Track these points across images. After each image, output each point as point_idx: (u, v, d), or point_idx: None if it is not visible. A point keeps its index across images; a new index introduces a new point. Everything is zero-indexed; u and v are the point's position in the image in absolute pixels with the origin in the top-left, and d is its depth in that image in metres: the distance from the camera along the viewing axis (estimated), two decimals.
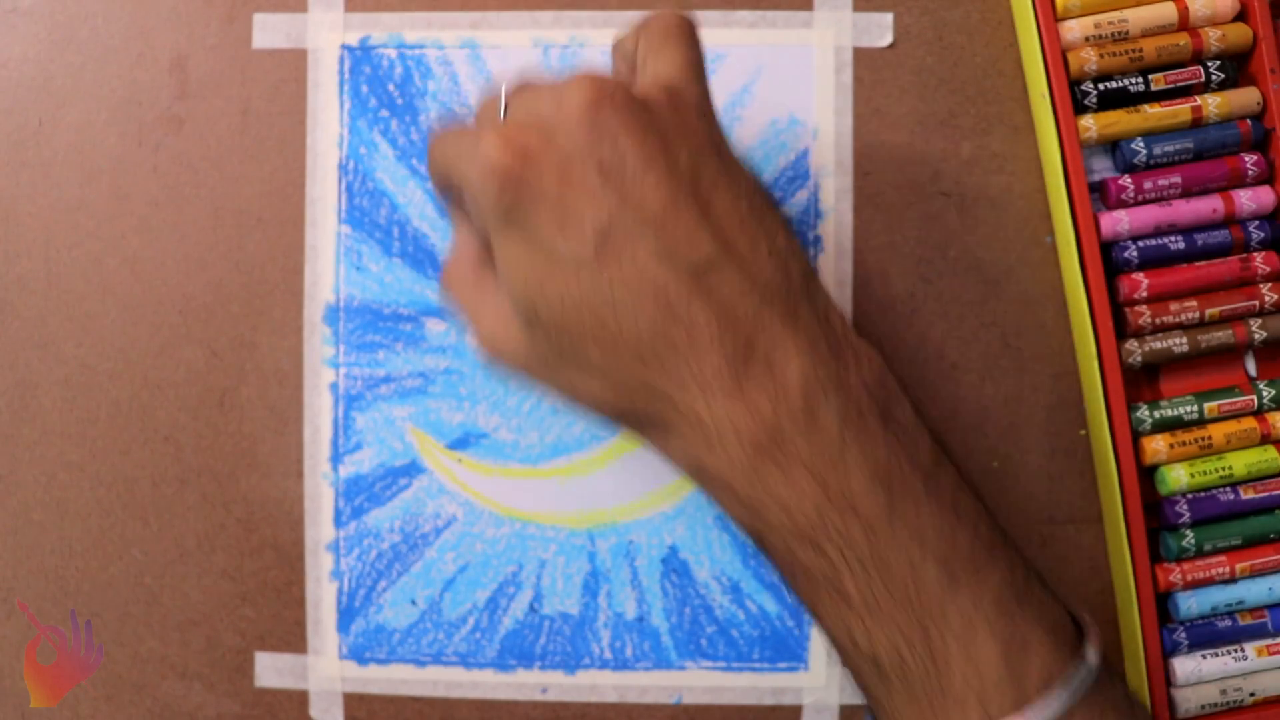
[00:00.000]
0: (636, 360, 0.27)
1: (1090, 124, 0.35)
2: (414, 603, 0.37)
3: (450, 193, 0.31)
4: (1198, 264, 0.35)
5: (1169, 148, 0.35)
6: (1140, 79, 0.35)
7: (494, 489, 0.37)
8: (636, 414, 0.28)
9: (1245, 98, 0.35)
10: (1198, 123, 0.35)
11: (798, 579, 0.28)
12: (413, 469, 0.37)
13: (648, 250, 0.26)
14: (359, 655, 0.37)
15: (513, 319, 0.28)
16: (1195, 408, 0.35)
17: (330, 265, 0.37)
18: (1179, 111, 0.35)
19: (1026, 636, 0.27)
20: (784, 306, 0.27)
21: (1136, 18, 0.35)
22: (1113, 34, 0.35)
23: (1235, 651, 0.35)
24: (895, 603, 0.26)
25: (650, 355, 0.26)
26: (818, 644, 0.37)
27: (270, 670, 0.37)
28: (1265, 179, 0.35)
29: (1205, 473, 0.35)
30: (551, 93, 0.27)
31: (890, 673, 0.27)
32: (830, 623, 0.28)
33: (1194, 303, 0.35)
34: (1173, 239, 0.35)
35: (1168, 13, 0.35)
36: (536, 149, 0.26)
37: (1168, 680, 0.35)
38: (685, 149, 0.27)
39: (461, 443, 0.37)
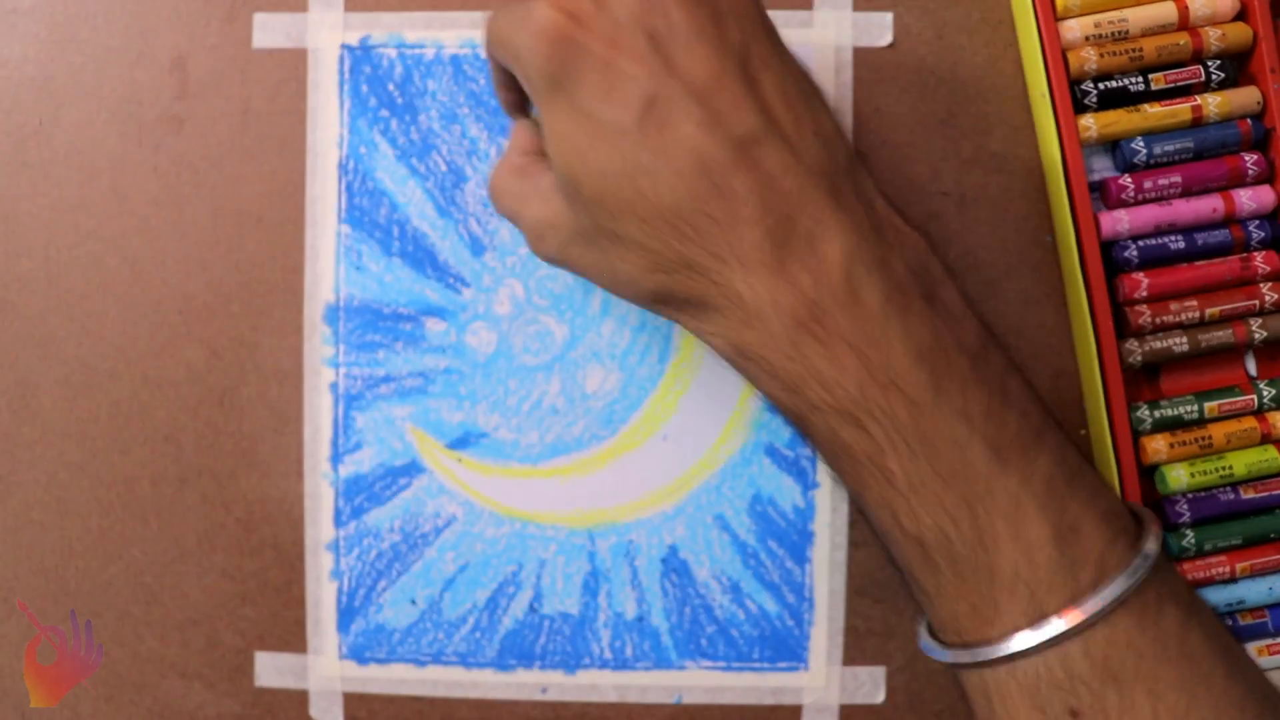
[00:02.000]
0: (675, 234, 0.26)
1: (1090, 123, 0.35)
2: (414, 602, 0.37)
3: (508, 82, 0.31)
4: (1198, 263, 0.35)
5: (1169, 147, 0.35)
6: (1140, 78, 0.35)
7: (494, 488, 0.37)
8: (674, 294, 0.28)
9: (1245, 97, 0.35)
10: (1198, 122, 0.35)
11: (841, 460, 0.27)
12: (413, 469, 0.37)
13: (692, 120, 0.26)
14: (359, 655, 0.37)
15: (557, 197, 0.28)
16: (1195, 407, 0.35)
17: (330, 265, 0.37)
18: (1179, 111, 0.35)
19: (1079, 520, 0.26)
20: (828, 185, 0.26)
21: (1136, 17, 0.35)
22: (1113, 33, 0.35)
23: None
24: (940, 481, 0.26)
25: (689, 229, 0.26)
26: (818, 644, 0.37)
27: (270, 670, 0.37)
28: (1265, 178, 0.35)
29: (1205, 472, 0.35)
30: None
31: (936, 555, 0.26)
32: (874, 504, 0.27)
33: (1194, 302, 0.35)
34: (1173, 238, 0.35)
35: (1168, 12, 0.35)
36: (588, 13, 0.26)
37: None
38: (737, 26, 0.26)
39: (461, 442, 0.37)
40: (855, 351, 0.26)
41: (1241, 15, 0.35)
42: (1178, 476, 0.34)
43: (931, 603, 0.28)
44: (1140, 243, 0.35)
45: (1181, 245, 0.35)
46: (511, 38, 0.28)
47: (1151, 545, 0.26)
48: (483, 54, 0.35)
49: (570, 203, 0.28)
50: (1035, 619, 0.25)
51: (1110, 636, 0.25)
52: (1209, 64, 0.35)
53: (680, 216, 0.26)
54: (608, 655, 0.37)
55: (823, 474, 0.37)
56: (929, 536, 0.26)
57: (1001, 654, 0.26)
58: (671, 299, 0.28)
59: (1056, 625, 0.25)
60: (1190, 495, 0.35)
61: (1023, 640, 0.25)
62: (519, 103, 0.32)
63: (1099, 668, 0.25)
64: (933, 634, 0.29)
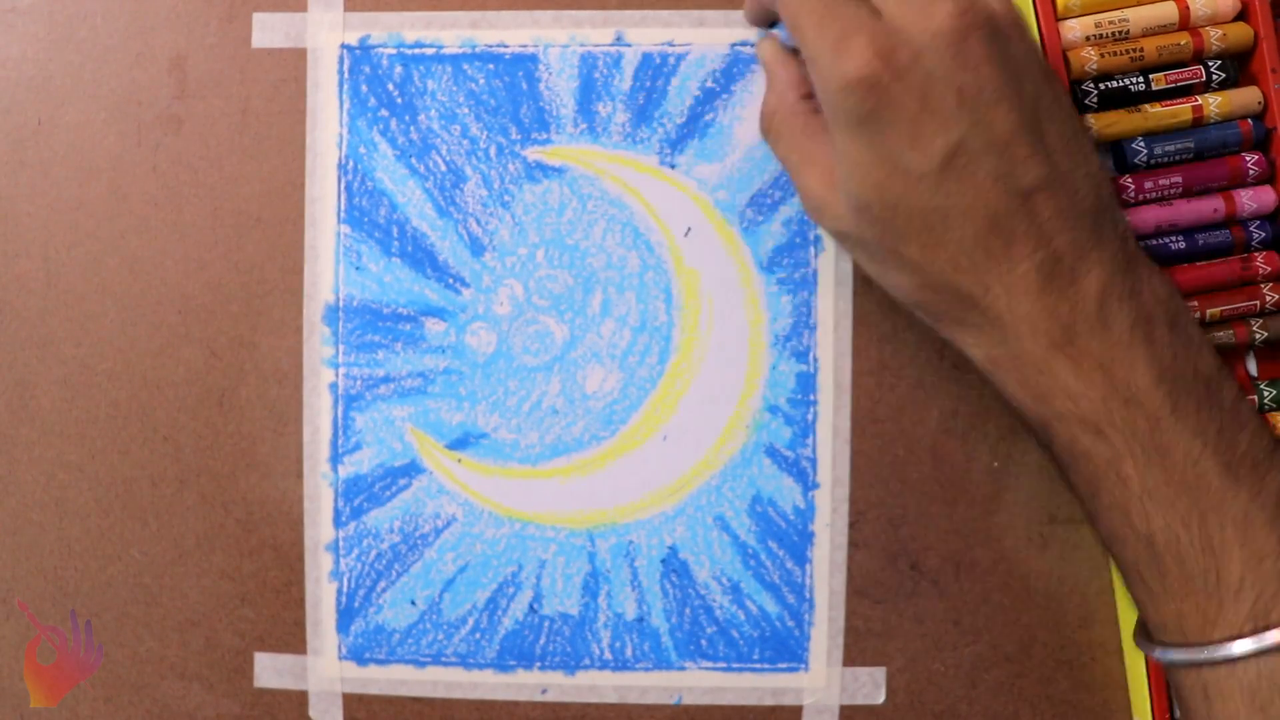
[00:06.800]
0: (951, 264, 0.29)
1: (1091, 124, 0.35)
2: (413, 603, 0.37)
3: (766, 16, 0.34)
4: (1199, 264, 0.35)
5: (1170, 147, 0.35)
6: (1141, 78, 0.35)
7: (494, 489, 0.37)
8: (937, 308, 0.31)
9: (1246, 97, 0.35)
10: (1198, 122, 0.35)
11: (1078, 463, 0.30)
12: (412, 469, 0.37)
13: (988, 171, 0.28)
14: (358, 656, 0.37)
15: (840, 192, 0.30)
16: None
17: (330, 265, 0.37)
18: (1180, 111, 0.35)
19: None
20: (1092, 224, 0.29)
21: (1137, 17, 0.35)
22: (1113, 33, 0.35)
23: None
24: (1174, 489, 0.28)
25: (966, 262, 0.29)
26: (818, 644, 0.37)
27: (269, 671, 0.37)
28: (1266, 179, 0.35)
29: None
30: (918, 2, 0.28)
31: (1165, 555, 0.28)
32: (1106, 506, 0.29)
33: (1195, 303, 0.35)
34: (1173, 239, 0.35)
35: (1168, 12, 0.35)
36: (904, 66, 0.28)
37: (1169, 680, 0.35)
38: (1030, 81, 0.29)
39: (461, 443, 0.37)
40: (1102, 369, 0.28)
41: (1242, 15, 0.35)
42: None
43: (1155, 602, 0.29)
44: (1141, 243, 0.35)
45: (1182, 246, 0.35)
46: (820, 56, 0.29)
47: None
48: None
49: (856, 212, 0.30)
50: (1260, 624, 0.27)
51: None
52: (1210, 64, 0.35)
53: (960, 251, 0.29)
54: (608, 656, 0.37)
55: (823, 475, 0.37)
56: (1159, 538, 0.28)
57: (1225, 655, 0.27)
58: (933, 311, 0.31)
59: None
60: None
61: (1246, 644, 0.27)
62: (768, 22, 0.35)
63: None
64: (1148, 635, 0.30)
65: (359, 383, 0.37)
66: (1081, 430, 0.29)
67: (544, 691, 0.37)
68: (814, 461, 0.37)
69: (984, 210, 0.28)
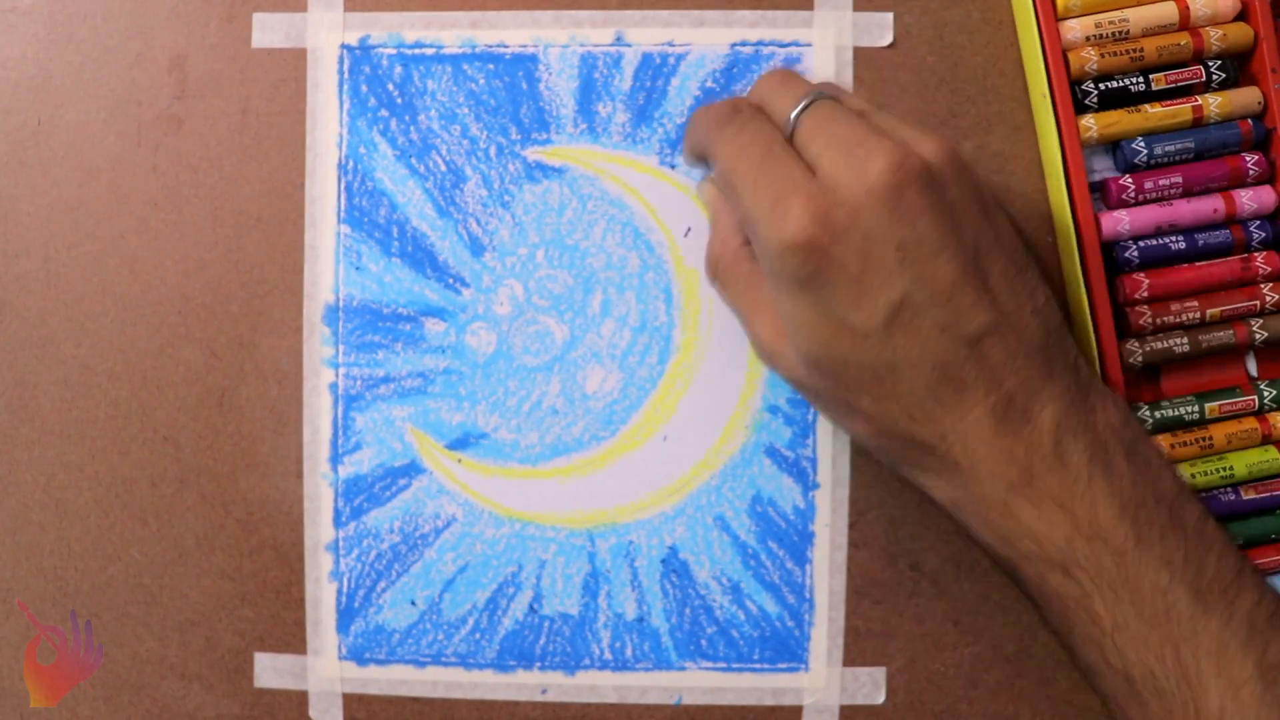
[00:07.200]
0: (905, 415, 0.29)
1: (1091, 124, 0.35)
2: (413, 603, 0.37)
3: (699, 160, 0.34)
4: (1198, 264, 0.35)
5: (1170, 147, 0.35)
6: (1141, 79, 0.35)
7: (494, 489, 0.37)
8: (894, 454, 0.31)
9: (1246, 97, 0.35)
10: (1198, 122, 0.35)
11: (1050, 604, 0.30)
12: (412, 469, 0.37)
13: (933, 323, 0.28)
14: (358, 656, 0.37)
15: (790, 342, 0.30)
16: (1196, 408, 0.35)
17: (330, 265, 0.37)
18: (1180, 111, 0.35)
19: None
20: (1042, 360, 0.29)
21: (1137, 17, 0.35)
22: (1113, 33, 0.35)
23: None
24: (1146, 623, 0.28)
25: (919, 412, 0.29)
26: (818, 644, 0.37)
27: (269, 671, 0.37)
28: (1266, 179, 0.35)
29: (1206, 473, 0.34)
30: (851, 156, 0.28)
31: (1143, 690, 0.28)
32: (1080, 643, 0.29)
33: (1195, 303, 0.35)
34: (1173, 239, 0.35)
35: (1169, 12, 0.35)
36: (842, 227, 0.28)
37: None
38: (970, 223, 0.29)
39: (461, 443, 0.37)
40: (1063, 508, 0.28)
41: (1242, 15, 0.35)
42: None
43: None
44: (1141, 243, 0.35)
45: (1182, 246, 0.35)
46: (757, 219, 0.29)
47: None
48: (682, 154, 0.36)
49: (806, 367, 0.30)
50: None
51: None
52: (1210, 64, 0.35)
53: (913, 402, 0.29)
54: (608, 656, 0.37)
55: (823, 475, 0.37)
56: (1135, 671, 0.28)
57: None
58: (892, 455, 0.31)
59: None
60: None
61: None
62: (706, 164, 0.34)
63: None
64: None
65: (359, 383, 0.37)
66: (1048, 570, 0.29)
67: (544, 691, 0.37)
68: (814, 461, 0.37)
69: (933, 361, 0.28)
